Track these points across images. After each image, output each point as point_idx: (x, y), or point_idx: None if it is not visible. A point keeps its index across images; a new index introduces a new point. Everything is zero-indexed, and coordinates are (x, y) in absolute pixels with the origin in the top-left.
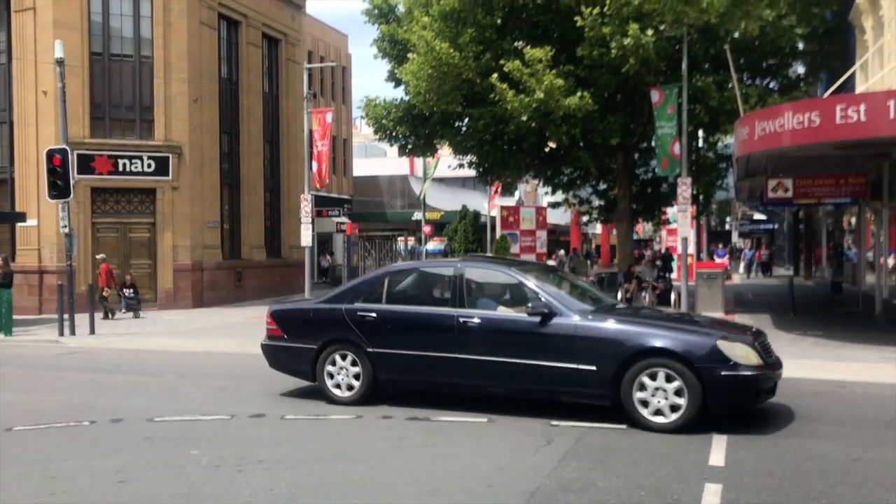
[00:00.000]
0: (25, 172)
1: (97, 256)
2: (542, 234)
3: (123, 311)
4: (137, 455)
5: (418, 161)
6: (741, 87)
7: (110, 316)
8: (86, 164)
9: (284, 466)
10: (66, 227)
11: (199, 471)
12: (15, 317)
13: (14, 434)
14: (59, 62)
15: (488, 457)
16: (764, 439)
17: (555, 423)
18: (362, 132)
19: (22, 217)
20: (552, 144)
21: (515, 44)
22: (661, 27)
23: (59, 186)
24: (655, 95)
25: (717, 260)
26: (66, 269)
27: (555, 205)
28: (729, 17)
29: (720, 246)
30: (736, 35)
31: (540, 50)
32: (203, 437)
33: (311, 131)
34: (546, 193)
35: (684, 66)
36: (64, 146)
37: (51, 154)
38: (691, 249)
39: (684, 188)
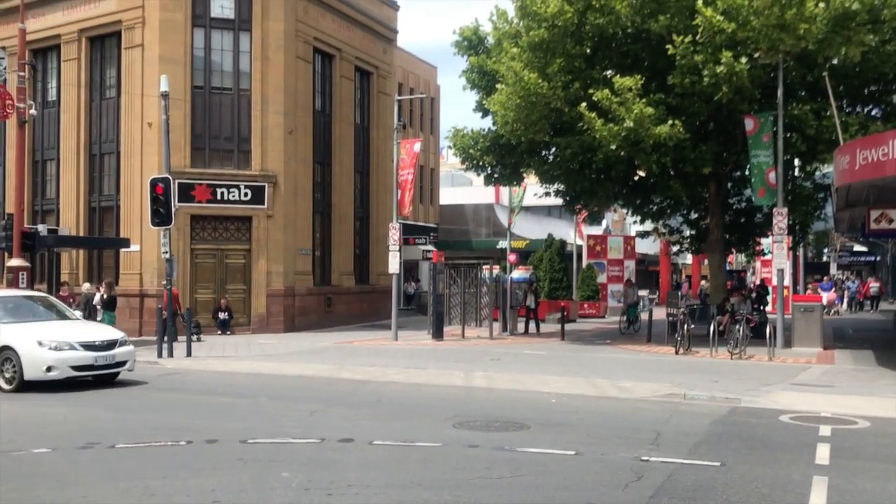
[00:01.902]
0: (130, 200)
1: (163, 283)
2: (631, 264)
3: (218, 332)
4: (231, 476)
5: (504, 190)
6: (840, 115)
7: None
8: (186, 193)
9: (373, 492)
10: (166, 252)
11: (290, 493)
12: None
13: (116, 451)
14: (164, 95)
15: (576, 490)
16: (869, 483)
17: (645, 458)
18: (449, 161)
19: (126, 243)
20: (641, 173)
21: (605, 73)
22: (756, 55)
23: (161, 214)
24: (750, 124)
25: (823, 294)
26: (166, 293)
27: (643, 234)
28: (828, 43)
29: (825, 278)
30: (835, 61)
31: (630, 79)
32: (294, 459)
33: (398, 161)
34: (634, 222)
35: (780, 93)
36: (166, 175)
37: (154, 183)
38: (787, 281)
39: (780, 218)
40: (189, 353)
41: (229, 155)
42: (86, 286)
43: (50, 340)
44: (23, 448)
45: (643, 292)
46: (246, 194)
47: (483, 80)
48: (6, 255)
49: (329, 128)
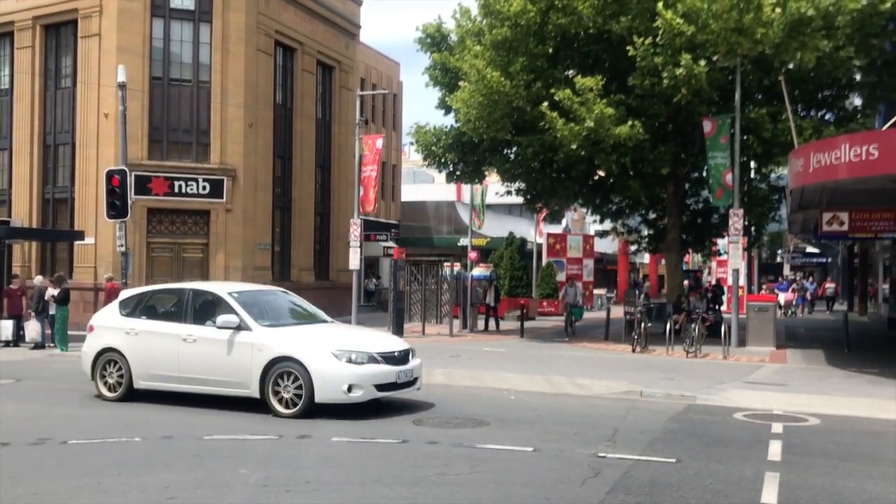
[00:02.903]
0: (85, 192)
1: (105, 276)
2: (590, 263)
3: None
4: (187, 472)
5: (465, 188)
6: (795, 119)
7: None
8: (143, 186)
9: (331, 488)
10: (122, 246)
11: (247, 490)
12: (70, 332)
13: (69, 447)
14: (122, 86)
15: (535, 486)
16: (819, 479)
17: (602, 454)
18: (411, 158)
19: (80, 235)
20: (601, 173)
21: (566, 73)
22: (714, 58)
23: (117, 206)
24: (708, 126)
25: (780, 294)
26: (122, 287)
27: (602, 233)
28: (784, 47)
29: (780, 278)
30: (791, 66)
31: (591, 79)
32: (251, 456)
33: (360, 157)
34: (594, 222)
35: (737, 96)
36: (123, 167)
37: (110, 175)
38: (742, 281)
39: (736, 219)
40: None
41: (188, 147)
42: (38, 279)
43: (345, 351)
44: None
45: (600, 291)
46: (204, 188)
47: (446, 78)
48: None
49: (290, 122)
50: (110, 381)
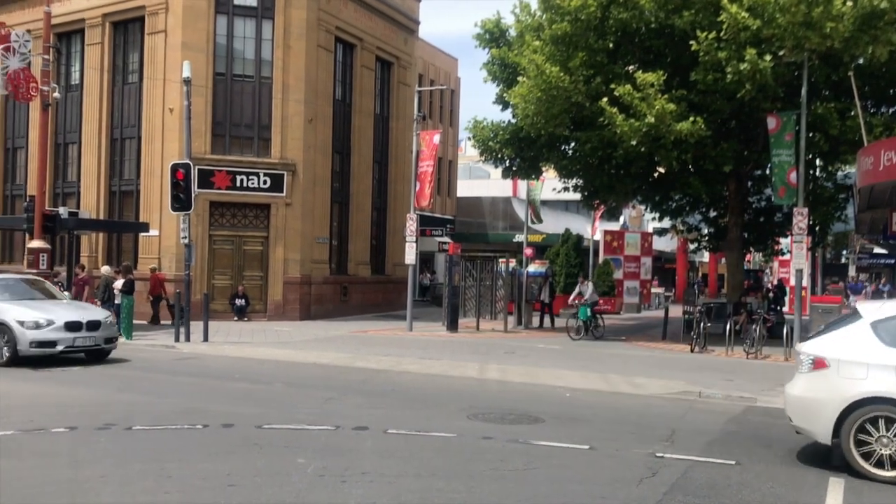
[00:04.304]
0: (150, 185)
1: (150, 267)
2: (647, 261)
3: (235, 318)
4: (247, 460)
5: (521, 183)
6: (865, 116)
7: (158, 322)
8: (206, 179)
9: (387, 480)
10: (185, 238)
11: (304, 479)
12: (135, 322)
13: (133, 433)
14: (186, 81)
15: (590, 484)
16: (888, 487)
17: (659, 454)
18: (467, 154)
19: (145, 227)
20: (661, 170)
21: (627, 68)
22: (781, 52)
23: (181, 199)
24: (772, 122)
25: (852, 295)
26: (184, 278)
27: (661, 231)
28: (855, 42)
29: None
30: (861, 61)
31: (652, 74)
32: (309, 446)
33: (418, 152)
34: (653, 219)
35: (804, 92)
36: (187, 161)
37: (175, 168)
38: (805, 282)
39: (800, 218)
40: (206, 339)
41: (249, 142)
42: (105, 269)
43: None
44: (42, 427)
45: (658, 290)
46: (265, 182)
47: (504, 73)
48: (27, 236)
49: (349, 117)
50: (887, 451)
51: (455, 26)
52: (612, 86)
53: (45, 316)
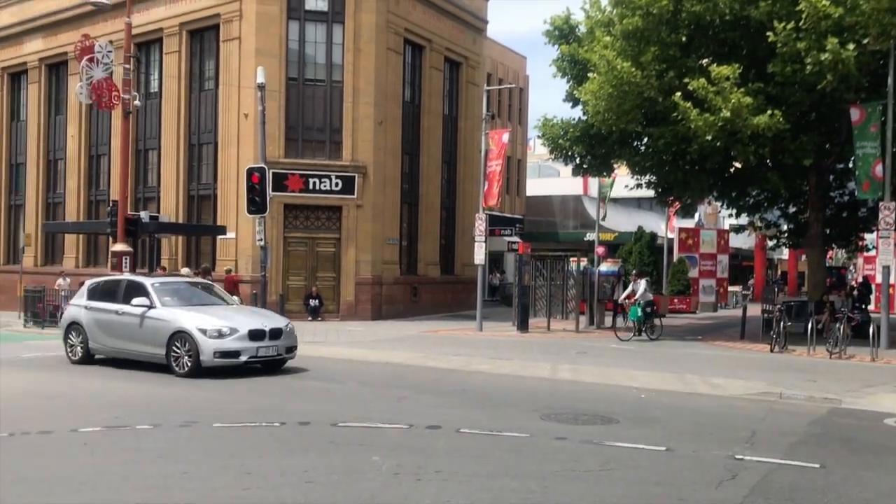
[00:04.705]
0: (226, 189)
1: (225, 269)
2: (724, 259)
3: (309, 319)
4: (323, 458)
5: (592, 181)
6: None
7: None
8: (280, 182)
9: (460, 479)
10: (261, 240)
11: (379, 477)
12: None
13: (214, 430)
14: (261, 87)
15: (667, 486)
16: None
17: (739, 456)
18: (536, 152)
19: (222, 230)
20: (738, 165)
21: (701, 62)
22: (865, 41)
23: (256, 203)
24: (856, 114)
25: None
26: (260, 279)
27: (738, 228)
28: None
29: None
30: None
31: (727, 67)
32: (383, 444)
33: (486, 152)
34: (729, 216)
35: (890, 81)
36: (262, 165)
37: (250, 172)
38: (893, 279)
39: (887, 213)
40: None
41: (321, 145)
42: (185, 271)
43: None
44: (127, 424)
45: (735, 288)
46: (337, 184)
47: (574, 70)
48: (111, 240)
49: (418, 118)
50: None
51: (523, 24)
52: (686, 80)
53: (228, 324)
